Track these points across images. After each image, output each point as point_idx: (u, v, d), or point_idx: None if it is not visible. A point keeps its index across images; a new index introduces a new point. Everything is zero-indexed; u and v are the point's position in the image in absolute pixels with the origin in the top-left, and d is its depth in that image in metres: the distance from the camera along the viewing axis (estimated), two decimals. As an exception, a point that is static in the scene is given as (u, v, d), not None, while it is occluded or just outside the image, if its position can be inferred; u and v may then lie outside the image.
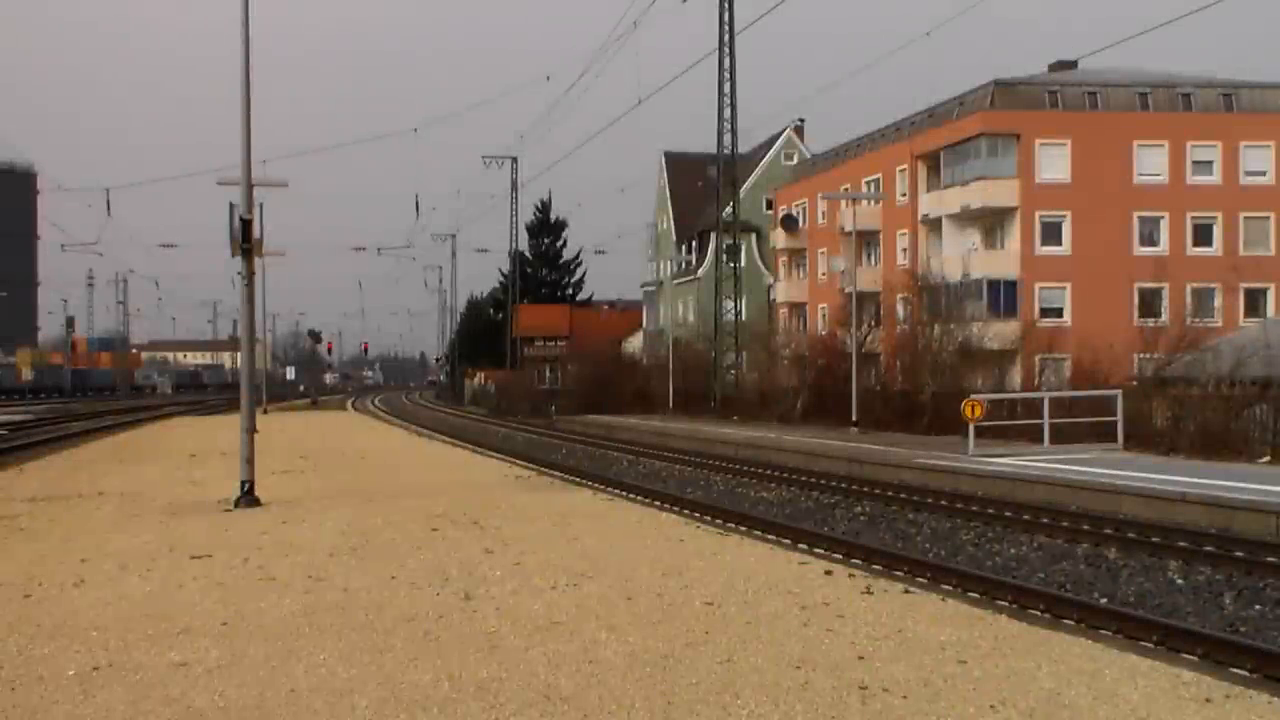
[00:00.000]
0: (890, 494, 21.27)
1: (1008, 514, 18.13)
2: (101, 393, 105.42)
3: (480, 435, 44.81)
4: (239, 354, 27.24)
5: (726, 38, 47.43)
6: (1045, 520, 17.42)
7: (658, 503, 20.11)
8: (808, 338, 51.34)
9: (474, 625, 8.90)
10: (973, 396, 27.84)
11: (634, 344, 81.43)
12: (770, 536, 15.59)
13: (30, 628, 8.97)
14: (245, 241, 17.47)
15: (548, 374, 76.99)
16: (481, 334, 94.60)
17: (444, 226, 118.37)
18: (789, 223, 66.77)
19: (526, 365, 79.65)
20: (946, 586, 12.12)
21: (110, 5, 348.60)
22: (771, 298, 69.31)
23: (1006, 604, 11.15)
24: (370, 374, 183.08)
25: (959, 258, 48.34)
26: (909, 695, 6.95)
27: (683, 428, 40.34)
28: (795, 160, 74.38)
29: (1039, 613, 10.76)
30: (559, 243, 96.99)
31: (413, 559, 12.06)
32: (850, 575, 11.32)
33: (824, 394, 40.67)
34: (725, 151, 49.10)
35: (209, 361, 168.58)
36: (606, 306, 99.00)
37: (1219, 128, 49.20)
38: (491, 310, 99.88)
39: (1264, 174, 49.21)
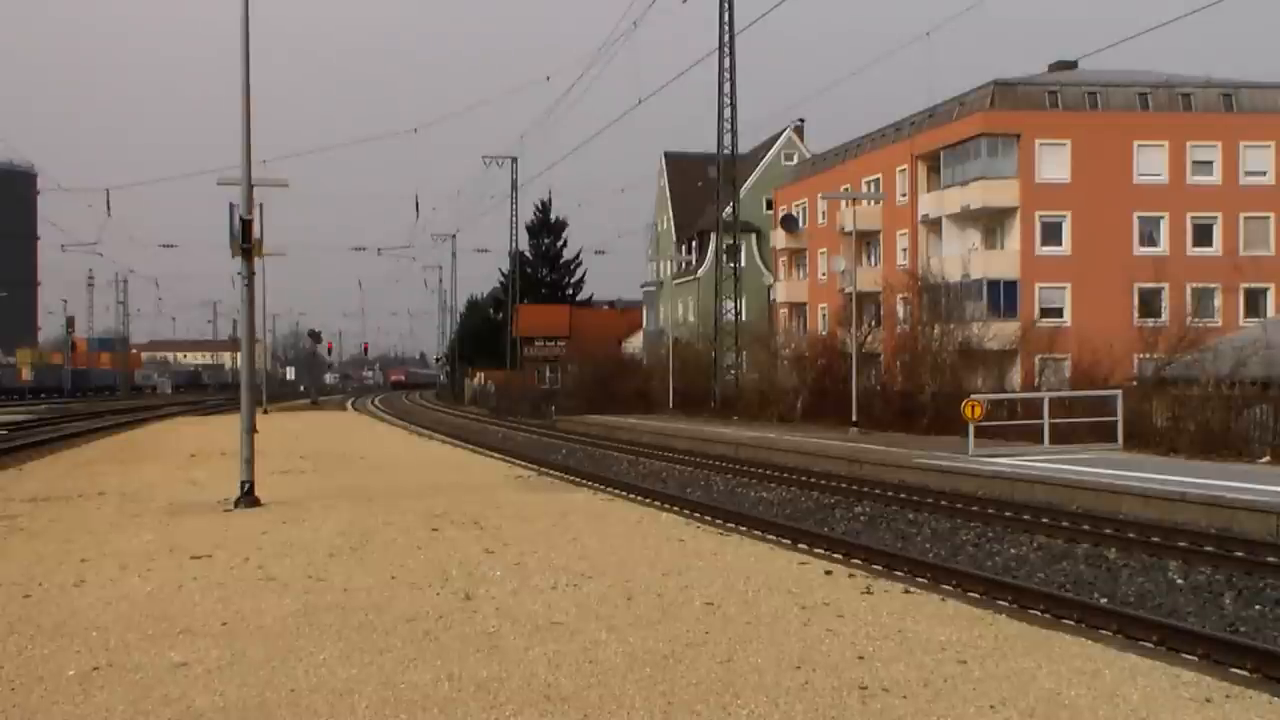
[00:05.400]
0: (890, 494, 21.26)
1: (1008, 514, 18.12)
2: (101, 393, 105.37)
3: (480, 435, 44.81)
4: (239, 354, 27.25)
5: (726, 38, 47.43)
6: (1045, 520, 17.42)
7: (658, 503, 20.11)
8: (808, 338, 51.31)
9: (474, 625, 8.90)
10: (973, 397, 27.83)
11: (634, 344, 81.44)
12: (770, 536, 15.59)
13: (30, 628, 8.96)
14: (245, 241, 17.46)
15: (548, 374, 77.06)
16: (481, 334, 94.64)
17: (444, 226, 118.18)
18: (789, 223, 66.78)
19: (526, 365, 79.69)
20: (946, 586, 12.12)
21: (110, 5, 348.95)
22: (771, 298, 69.31)
23: (1006, 604, 11.15)
24: (370, 374, 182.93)
25: (959, 258, 48.35)
26: (909, 695, 6.95)
27: (683, 428, 40.33)
28: (795, 160, 74.38)
29: (1039, 613, 10.75)
30: (559, 243, 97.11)
31: (413, 559, 12.06)
32: (850, 575, 11.32)
33: (824, 394, 40.66)
34: (725, 151, 49.07)
35: (209, 361, 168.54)
36: (606, 306, 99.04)
37: (1219, 128, 49.20)
38: (491, 310, 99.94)
39: (1264, 174, 49.22)
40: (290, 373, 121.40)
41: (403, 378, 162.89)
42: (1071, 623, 10.36)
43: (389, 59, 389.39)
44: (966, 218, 50.58)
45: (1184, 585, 12.93)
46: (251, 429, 17.83)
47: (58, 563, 12.04)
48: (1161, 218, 48.83)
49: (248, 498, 17.08)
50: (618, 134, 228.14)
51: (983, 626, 8.92)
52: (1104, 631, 9.99)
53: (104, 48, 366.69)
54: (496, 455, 32.14)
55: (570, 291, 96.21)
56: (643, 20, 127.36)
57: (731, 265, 50.64)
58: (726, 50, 47.64)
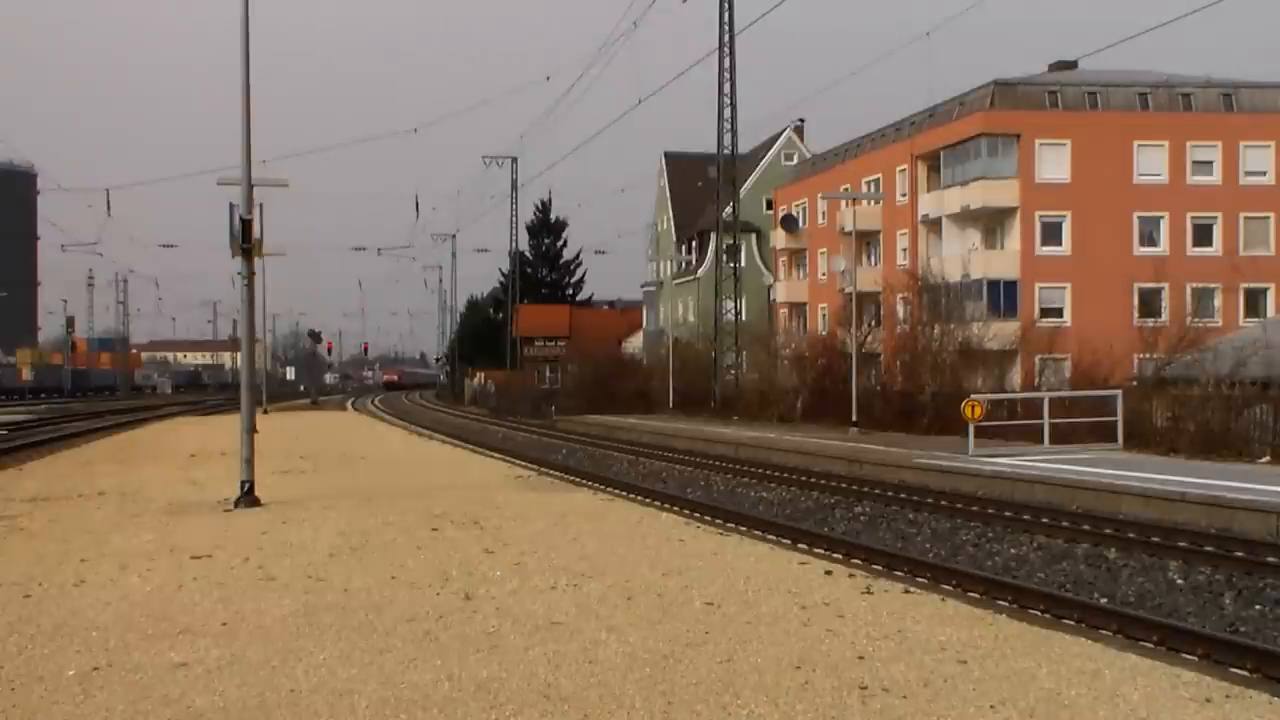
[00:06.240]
0: (890, 494, 21.26)
1: (1008, 514, 18.12)
2: (101, 393, 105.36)
3: (480, 435, 44.80)
4: (239, 354, 27.25)
5: (726, 38, 47.42)
6: (1045, 520, 17.42)
7: (658, 503, 20.11)
8: (808, 338, 51.30)
9: (474, 625, 8.90)
10: (973, 397, 27.83)
11: (634, 344, 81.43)
12: (770, 536, 15.59)
13: (30, 628, 8.96)
14: (245, 241, 17.47)
15: (548, 374, 77.05)
16: (481, 334, 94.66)
17: (444, 226, 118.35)
18: (789, 223, 66.77)
19: (526, 365, 79.69)
20: (946, 586, 12.12)
21: (110, 5, 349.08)
22: (771, 298, 69.32)
23: (1006, 604, 11.15)
24: (370, 374, 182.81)
25: (959, 258, 48.35)
26: (909, 695, 6.95)
27: (683, 428, 40.33)
28: (795, 160, 74.37)
29: (1039, 613, 10.75)
30: (559, 243, 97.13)
31: (413, 559, 12.06)
32: (850, 575, 11.32)
33: (824, 394, 40.65)
34: (725, 151, 49.07)
35: (209, 361, 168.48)
36: (606, 306, 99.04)
37: (1219, 128, 49.20)
38: (491, 310, 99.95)
39: (1264, 174, 49.22)
40: (290, 373, 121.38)
41: (396, 378, 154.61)
42: (1071, 623, 10.36)
43: (389, 59, 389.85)
44: (966, 218, 50.58)
45: (1184, 585, 12.93)
46: (251, 429, 17.83)
47: (58, 563, 12.04)
48: (1161, 218, 48.83)
49: (248, 498, 17.08)
50: (618, 134, 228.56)
51: (983, 626, 8.92)
52: (1104, 631, 9.99)
53: (104, 48, 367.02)
54: (496, 455, 32.13)
55: (570, 291, 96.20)
56: (643, 20, 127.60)
57: (731, 265, 50.64)
58: (726, 50, 47.66)
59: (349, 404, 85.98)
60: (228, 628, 8.88)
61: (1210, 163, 49.23)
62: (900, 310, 44.84)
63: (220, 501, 17.46)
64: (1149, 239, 48.65)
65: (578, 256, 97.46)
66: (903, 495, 20.94)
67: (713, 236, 59.68)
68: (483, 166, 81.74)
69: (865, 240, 56.10)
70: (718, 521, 17.27)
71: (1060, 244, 48.72)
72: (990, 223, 50.31)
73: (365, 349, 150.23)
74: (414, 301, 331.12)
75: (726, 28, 47.33)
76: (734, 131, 48.74)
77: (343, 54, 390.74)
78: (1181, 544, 15.01)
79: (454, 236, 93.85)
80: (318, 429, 43.15)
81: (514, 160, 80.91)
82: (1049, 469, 21.73)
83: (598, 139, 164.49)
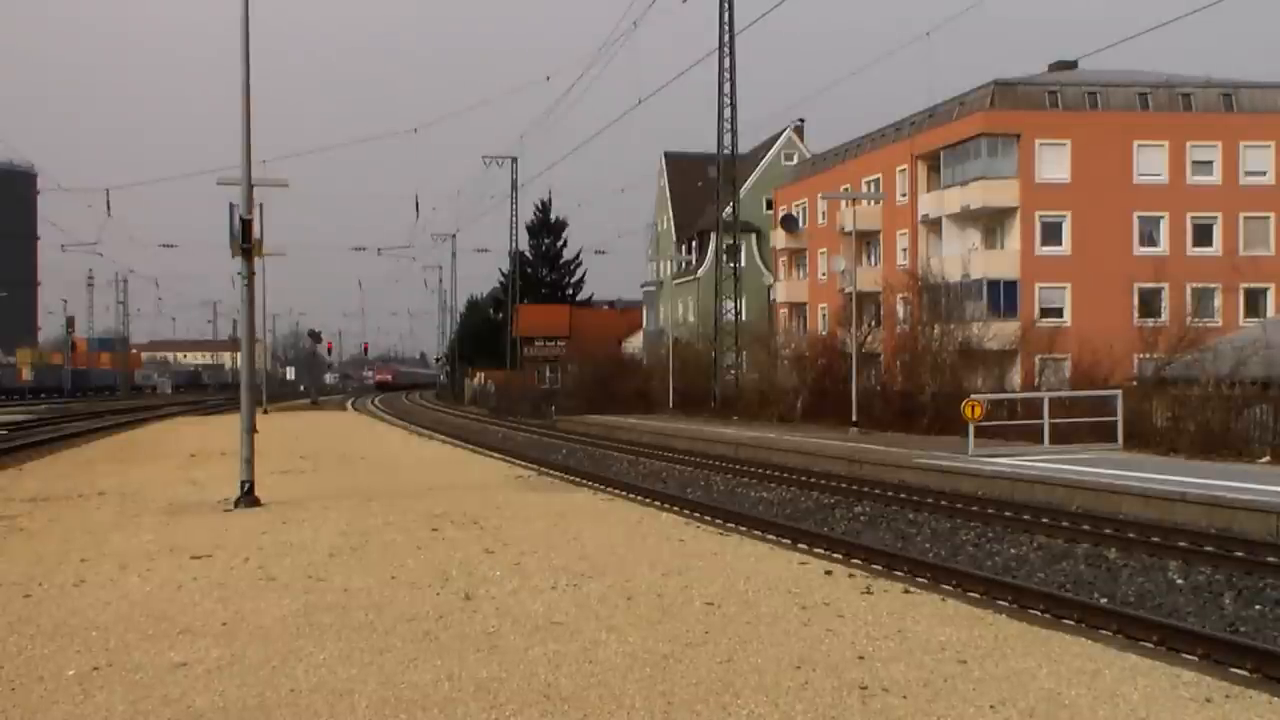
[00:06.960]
0: (890, 494, 21.25)
1: (1008, 514, 18.12)
2: (101, 393, 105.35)
3: (480, 435, 44.79)
4: (239, 354, 27.26)
5: (726, 38, 47.42)
6: (1045, 520, 17.42)
7: (658, 503, 20.11)
8: (808, 338, 51.30)
9: (474, 625, 8.90)
10: (973, 397, 27.82)
11: (634, 344, 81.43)
12: (770, 536, 15.59)
13: (30, 628, 8.96)
14: (245, 241, 17.47)
15: (548, 374, 77.06)
16: (481, 334, 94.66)
17: (444, 226, 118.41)
18: (789, 223, 66.78)
19: (526, 365, 79.69)
20: (946, 586, 12.12)
21: (110, 5, 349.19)
22: (771, 298, 69.32)
23: (1006, 604, 11.15)
24: (370, 374, 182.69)
25: (959, 258, 48.35)
26: (909, 695, 6.95)
27: (683, 428, 40.32)
28: (795, 160, 74.37)
29: (1039, 613, 10.75)
30: (559, 243, 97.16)
31: (413, 559, 12.06)
32: (850, 575, 11.32)
33: (824, 394, 40.65)
34: (725, 151, 49.06)
35: (209, 361, 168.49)
36: (606, 306, 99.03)
37: (1219, 128, 49.20)
38: (491, 310, 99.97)
39: (1264, 174, 49.23)
40: (290, 373, 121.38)
41: (390, 378, 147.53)
42: (1071, 623, 10.36)
43: (389, 59, 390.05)
44: (966, 218, 50.58)
45: (1184, 585, 12.92)
46: (251, 429, 17.83)
47: (58, 563, 12.04)
48: (1161, 218, 48.83)
49: (248, 498, 17.08)
50: (618, 134, 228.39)
51: (983, 626, 8.92)
52: (1104, 631, 9.99)
53: (104, 48, 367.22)
54: (496, 455, 32.13)
55: (570, 291, 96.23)
56: (643, 20, 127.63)
57: (731, 265, 50.63)
58: (726, 50, 47.65)
59: (349, 404, 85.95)
60: (228, 628, 8.88)
61: (1210, 163, 49.24)
62: (900, 310, 44.83)
63: (220, 501, 17.46)
64: (1149, 239, 48.66)
65: (578, 256, 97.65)
66: (903, 495, 20.93)
67: (713, 236, 59.67)
68: (483, 166, 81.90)
69: (865, 240, 56.10)
70: (718, 521, 17.27)
71: (1060, 244, 48.73)
72: (990, 223, 50.32)
73: (365, 349, 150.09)
74: (414, 301, 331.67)
75: (726, 28, 47.34)
76: (734, 131, 48.79)
77: (343, 54, 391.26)
78: (1181, 544, 15.01)
79: (454, 236, 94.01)
80: (318, 429, 43.14)
81: (514, 160, 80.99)
82: (1049, 469, 21.72)
83: (598, 139, 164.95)
